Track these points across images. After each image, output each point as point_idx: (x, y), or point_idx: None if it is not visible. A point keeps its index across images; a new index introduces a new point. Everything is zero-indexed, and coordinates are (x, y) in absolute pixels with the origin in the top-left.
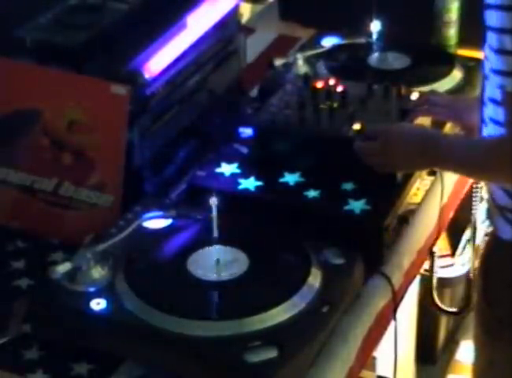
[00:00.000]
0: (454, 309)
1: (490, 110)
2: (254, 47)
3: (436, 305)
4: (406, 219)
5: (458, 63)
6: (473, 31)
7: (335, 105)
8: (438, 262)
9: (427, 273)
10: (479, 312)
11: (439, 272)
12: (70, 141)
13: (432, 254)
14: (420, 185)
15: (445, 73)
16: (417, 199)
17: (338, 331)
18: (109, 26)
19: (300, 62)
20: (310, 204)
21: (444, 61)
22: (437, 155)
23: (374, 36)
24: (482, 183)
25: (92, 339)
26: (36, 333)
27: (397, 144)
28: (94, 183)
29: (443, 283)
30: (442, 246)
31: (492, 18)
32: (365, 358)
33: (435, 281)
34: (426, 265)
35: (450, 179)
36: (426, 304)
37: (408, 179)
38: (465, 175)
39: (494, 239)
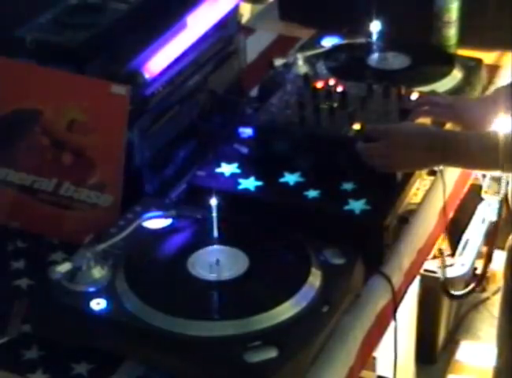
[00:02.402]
0: (462, 292)
1: None
2: (254, 47)
3: (447, 292)
4: (406, 219)
5: (458, 63)
6: (473, 31)
7: (335, 105)
8: (437, 262)
9: (427, 273)
10: (507, 304)
11: (439, 272)
12: (70, 141)
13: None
14: (420, 185)
15: (445, 73)
16: (417, 199)
17: (338, 331)
18: (109, 26)
19: (300, 62)
20: (310, 204)
21: (444, 61)
22: (447, 150)
23: (374, 36)
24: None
25: (92, 339)
26: (36, 333)
27: (401, 143)
28: (94, 183)
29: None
30: (443, 245)
31: None
32: (365, 358)
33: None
34: (426, 265)
35: (451, 179)
36: (432, 298)
37: (408, 179)
38: (476, 168)
39: None
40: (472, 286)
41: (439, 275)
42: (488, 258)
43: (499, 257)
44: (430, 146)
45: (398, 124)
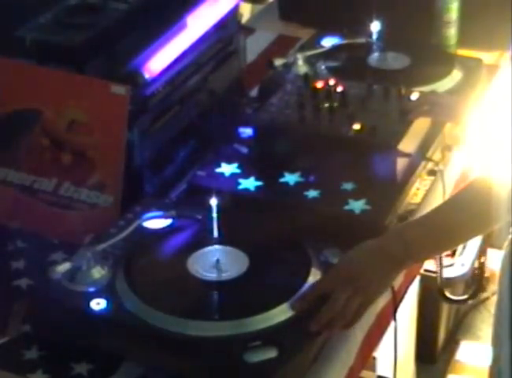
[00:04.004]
0: (460, 298)
1: None
2: (254, 47)
3: (444, 296)
4: (406, 219)
5: (458, 63)
6: (473, 31)
7: (335, 105)
8: (435, 266)
9: (427, 273)
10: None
11: (438, 275)
12: (70, 141)
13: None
14: (420, 185)
15: (445, 73)
16: (417, 199)
17: (338, 332)
18: (109, 26)
19: (300, 62)
20: (310, 204)
21: (444, 61)
22: (408, 244)
23: (374, 36)
24: None
25: (92, 339)
26: (36, 333)
27: (358, 272)
28: (94, 183)
29: (443, 283)
30: None
31: None
32: (365, 358)
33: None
34: (426, 265)
35: (451, 179)
36: (432, 298)
37: (408, 179)
38: (453, 245)
39: None
40: (469, 295)
41: (437, 275)
42: (481, 265)
43: (500, 258)
44: (388, 255)
45: (340, 262)
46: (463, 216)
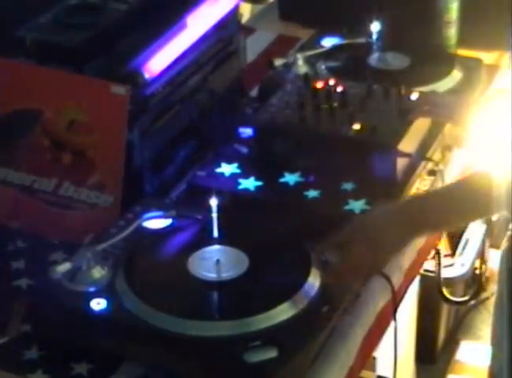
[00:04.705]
0: (461, 299)
1: None
2: (254, 47)
3: (445, 297)
4: None
5: (458, 63)
6: (473, 31)
7: (335, 105)
8: (434, 265)
9: (427, 273)
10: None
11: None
12: (70, 141)
13: (437, 253)
14: (420, 185)
15: (445, 73)
16: None
17: (338, 331)
18: (109, 26)
19: (300, 62)
20: (310, 204)
21: (444, 61)
22: (426, 213)
23: (374, 36)
24: None
25: (92, 339)
26: (36, 333)
27: (373, 230)
28: (94, 183)
29: (443, 282)
30: (442, 246)
31: None
32: (365, 358)
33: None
34: (427, 265)
35: (451, 178)
36: (432, 298)
37: (408, 179)
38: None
39: None
40: (469, 296)
41: (435, 274)
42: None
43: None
44: (407, 218)
45: (360, 220)
46: (458, 207)
